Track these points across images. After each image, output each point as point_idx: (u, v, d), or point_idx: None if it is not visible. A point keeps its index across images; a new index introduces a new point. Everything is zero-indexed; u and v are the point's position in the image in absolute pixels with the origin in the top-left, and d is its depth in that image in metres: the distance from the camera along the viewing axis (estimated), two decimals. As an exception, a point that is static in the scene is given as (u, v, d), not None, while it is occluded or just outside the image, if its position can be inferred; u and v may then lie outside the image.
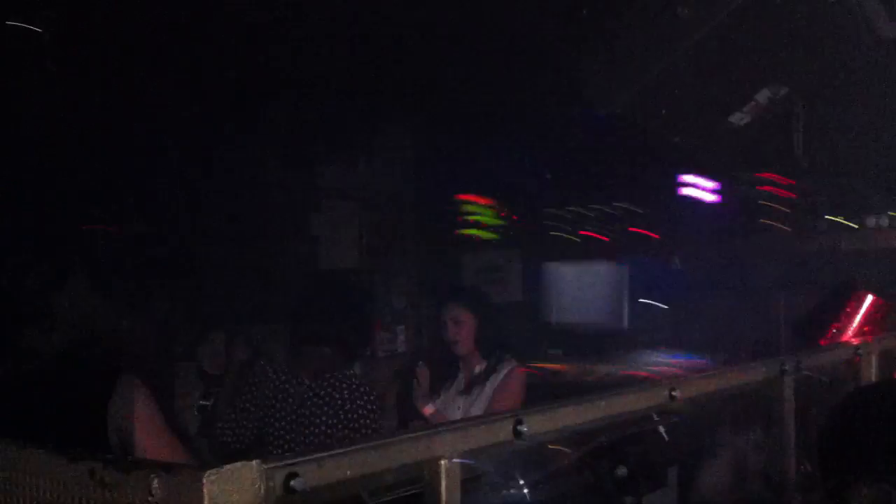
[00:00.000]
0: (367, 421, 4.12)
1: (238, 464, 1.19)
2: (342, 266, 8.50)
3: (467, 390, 5.10)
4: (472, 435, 1.67)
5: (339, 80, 6.78)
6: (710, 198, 9.84)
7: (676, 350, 9.68)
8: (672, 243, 10.33)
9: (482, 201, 10.55)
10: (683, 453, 2.88)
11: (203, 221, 6.62)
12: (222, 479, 1.16)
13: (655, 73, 5.20)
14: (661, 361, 9.53)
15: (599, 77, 5.43)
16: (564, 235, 10.46)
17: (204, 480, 1.13)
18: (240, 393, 4.35)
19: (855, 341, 3.42)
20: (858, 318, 3.80)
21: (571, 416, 1.87)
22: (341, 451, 1.43)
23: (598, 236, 10.37)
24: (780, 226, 9.21)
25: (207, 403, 4.75)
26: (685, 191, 10.25)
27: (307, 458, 1.35)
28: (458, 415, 4.99)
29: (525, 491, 2.28)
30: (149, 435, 2.87)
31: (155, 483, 1.15)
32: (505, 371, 5.13)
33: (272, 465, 1.26)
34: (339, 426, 4.07)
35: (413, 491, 1.65)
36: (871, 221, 8.43)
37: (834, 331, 3.75)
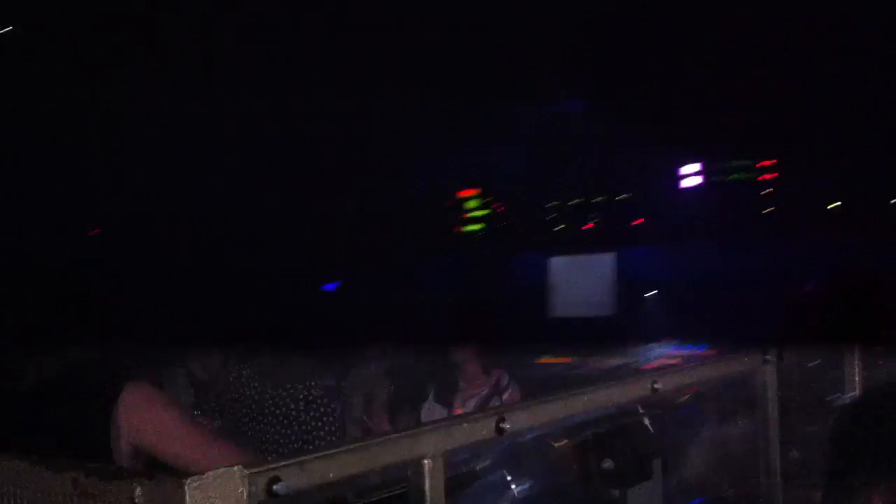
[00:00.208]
0: (321, 433, 4.06)
1: (220, 469, 1.21)
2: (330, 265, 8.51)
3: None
4: (455, 433, 1.69)
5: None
6: (702, 186, 9.84)
7: (680, 341, 9.71)
8: (667, 233, 10.33)
9: (475, 195, 10.54)
10: (668, 445, 2.91)
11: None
12: (205, 485, 1.17)
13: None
14: (668, 353, 9.55)
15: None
16: (556, 228, 10.51)
17: (186, 487, 1.15)
18: (208, 400, 4.32)
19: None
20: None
21: (555, 411, 1.89)
22: (324, 453, 1.45)
23: (587, 227, 10.41)
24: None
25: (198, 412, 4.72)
26: (684, 181, 10.25)
27: (290, 461, 1.36)
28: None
29: (512, 486, 2.31)
30: (182, 437, 2.80)
31: (138, 491, 1.17)
32: (504, 397, 5.12)
33: (254, 469, 1.27)
34: (293, 437, 4.03)
35: (397, 491, 1.67)
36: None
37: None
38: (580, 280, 11.44)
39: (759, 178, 9.89)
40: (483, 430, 1.73)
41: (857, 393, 3.36)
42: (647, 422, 2.73)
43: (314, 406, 4.12)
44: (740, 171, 9.64)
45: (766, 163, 9.02)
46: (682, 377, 2.25)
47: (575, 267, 11.38)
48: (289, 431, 4.05)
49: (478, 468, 2.67)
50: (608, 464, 2.59)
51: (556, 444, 2.66)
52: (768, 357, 2.50)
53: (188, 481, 1.16)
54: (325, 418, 4.12)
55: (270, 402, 4.15)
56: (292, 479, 1.33)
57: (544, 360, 10.11)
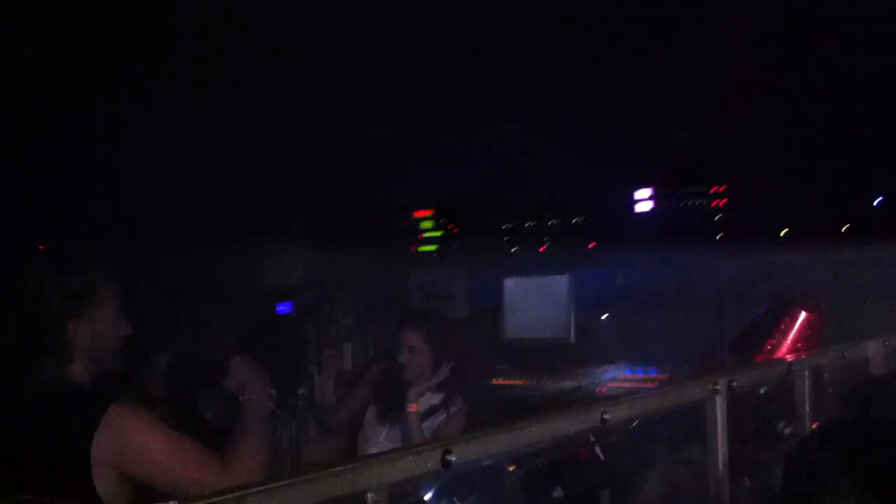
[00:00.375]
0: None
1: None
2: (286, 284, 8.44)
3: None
4: (399, 466, 1.65)
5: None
6: (655, 211, 9.97)
7: (634, 364, 9.74)
8: (619, 257, 10.43)
9: (429, 215, 10.53)
10: (620, 473, 2.89)
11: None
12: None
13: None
14: (622, 377, 9.58)
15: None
16: (513, 250, 10.52)
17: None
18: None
19: (789, 357, 3.47)
20: (792, 334, 3.87)
21: (502, 442, 1.86)
22: (266, 487, 1.41)
23: (541, 249, 10.45)
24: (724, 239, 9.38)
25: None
26: (637, 206, 10.42)
27: (225, 496, 1.32)
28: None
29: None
30: (165, 460, 2.70)
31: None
32: (453, 410, 5.06)
33: (188, 505, 1.23)
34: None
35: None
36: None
37: (769, 347, 3.81)
38: (534, 302, 11.45)
39: (712, 204, 10.07)
40: (428, 462, 1.70)
41: (807, 422, 3.37)
42: (597, 450, 2.71)
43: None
44: (693, 196, 9.82)
45: (718, 189, 9.16)
46: (631, 408, 2.24)
47: (529, 289, 11.39)
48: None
49: (425, 498, 2.62)
50: (558, 492, 2.56)
51: (506, 472, 2.62)
52: (717, 386, 2.49)
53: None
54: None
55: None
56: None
57: (499, 381, 10.08)
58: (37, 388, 2.70)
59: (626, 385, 9.57)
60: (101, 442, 2.60)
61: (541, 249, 10.65)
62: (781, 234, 9.77)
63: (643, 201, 10.24)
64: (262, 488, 1.40)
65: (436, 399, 5.03)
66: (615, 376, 9.82)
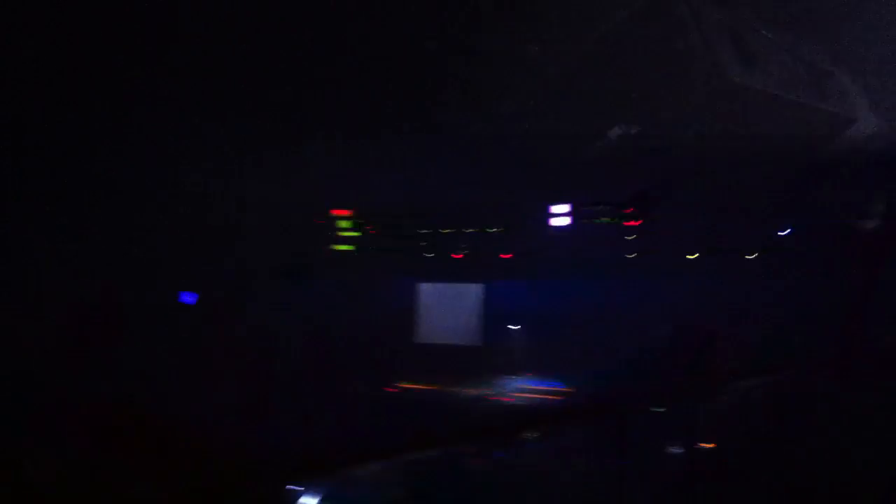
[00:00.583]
0: None
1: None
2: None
3: None
4: None
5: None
6: (571, 226, 10.14)
7: (540, 376, 9.89)
8: (535, 269, 10.57)
9: (348, 216, 10.48)
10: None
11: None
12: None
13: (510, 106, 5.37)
14: (527, 388, 9.73)
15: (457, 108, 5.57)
16: (429, 255, 10.56)
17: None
18: None
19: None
20: (698, 353, 3.98)
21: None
22: None
23: (458, 256, 10.51)
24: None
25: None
26: (553, 220, 10.53)
27: None
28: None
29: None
30: None
31: None
32: None
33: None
34: None
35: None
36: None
37: (675, 365, 3.92)
38: (448, 308, 11.53)
39: (626, 224, 10.26)
40: None
41: (705, 441, 3.50)
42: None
43: None
44: (606, 215, 10.03)
45: (629, 210, 9.37)
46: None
47: (443, 295, 11.45)
48: None
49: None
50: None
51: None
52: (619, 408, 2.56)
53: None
54: None
55: None
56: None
57: (406, 384, 10.09)
58: None
59: (531, 396, 9.72)
60: None
61: (456, 257, 10.73)
62: (691, 257, 10.05)
63: (560, 216, 10.38)
64: None
65: None
66: (520, 387, 9.95)
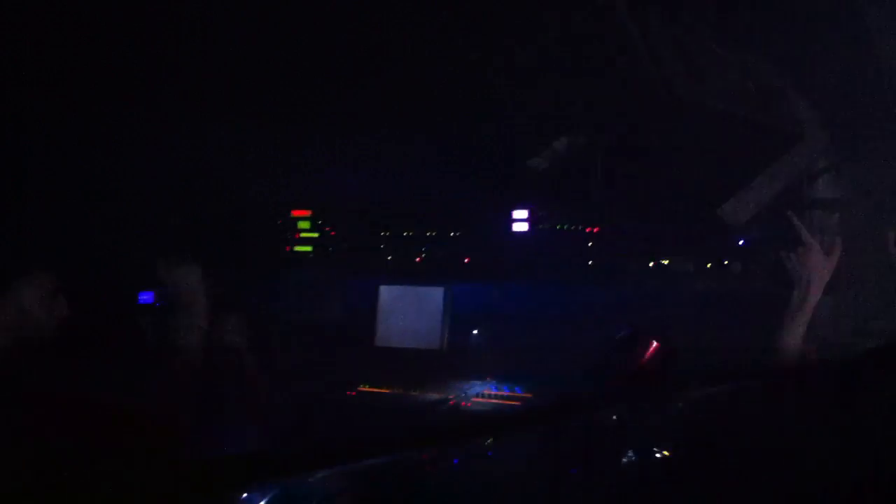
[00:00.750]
0: None
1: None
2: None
3: None
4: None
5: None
6: (531, 231, 10.16)
7: (500, 381, 9.86)
8: (497, 273, 10.56)
9: (308, 216, 10.39)
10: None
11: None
12: None
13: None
14: (487, 393, 9.69)
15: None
16: (388, 258, 10.51)
17: None
18: None
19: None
20: (643, 362, 3.97)
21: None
22: None
23: (419, 259, 10.47)
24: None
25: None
26: (514, 226, 10.55)
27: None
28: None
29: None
30: None
31: None
32: None
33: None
34: None
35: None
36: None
37: (619, 373, 3.91)
38: (408, 311, 11.46)
39: (587, 230, 10.33)
40: None
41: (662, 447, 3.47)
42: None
43: None
44: (566, 221, 10.09)
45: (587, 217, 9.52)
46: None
47: (404, 297, 11.39)
48: None
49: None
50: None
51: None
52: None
53: None
54: None
55: None
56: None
57: (365, 388, 10.03)
58: None
59: (491, 402, 9.71)
60: None
61: (417, 260, 10.69)
62: (650, 265, 10.16)
63: (520, 221, 10.42)
64: None
65: None
66: (481, 392, 9.94)
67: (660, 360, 3.95)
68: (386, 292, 11.38)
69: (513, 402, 9.68)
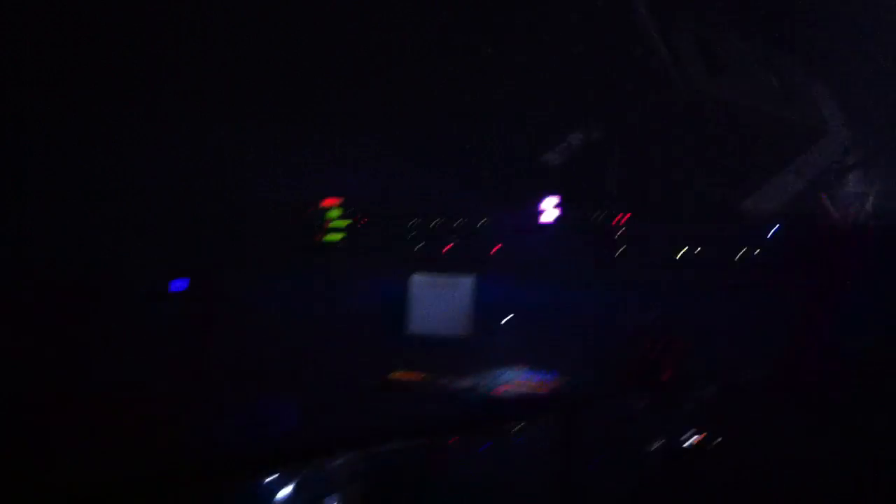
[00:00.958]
0: None
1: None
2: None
3: None
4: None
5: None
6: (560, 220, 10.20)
7: (531, 369, 9.95)
8: (524, 262, 10.62)
9: (337, 206, 10.51)
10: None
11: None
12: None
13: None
14: (517, 379, 9.79)
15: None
16: (416, 248, 10.62)
17: None
18: None
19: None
20: (660, 355, 4.06)
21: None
22: None
23: (448, 248, 10.58)
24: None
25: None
26: (541, 217, 10.59)
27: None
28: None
29: None
30: None
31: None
32: None
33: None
34: None
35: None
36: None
37: (640, 363, 4.00)
38: (439, 300, 11.60)
39: (613, 222, 10.33)
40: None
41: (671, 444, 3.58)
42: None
43: None
44: (592, 212, 10.16)
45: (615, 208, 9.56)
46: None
47: (434, 287, 11.52)
48: None
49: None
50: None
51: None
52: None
53: None
54: None
55: None
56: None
57: (397, 375, 10.18)
58: None
59: (521, 390, 9.80)
60: None
61: (444, 250, 10.81)
62: (678, 256, 10.17)
63: (549, 210, 10.48)
64: None
65: None
66: (511, 380, 10.03)
67: (675, 355, 4.04)
68: (417, 281, 11.52)
69: (540, 391, 9.76)
